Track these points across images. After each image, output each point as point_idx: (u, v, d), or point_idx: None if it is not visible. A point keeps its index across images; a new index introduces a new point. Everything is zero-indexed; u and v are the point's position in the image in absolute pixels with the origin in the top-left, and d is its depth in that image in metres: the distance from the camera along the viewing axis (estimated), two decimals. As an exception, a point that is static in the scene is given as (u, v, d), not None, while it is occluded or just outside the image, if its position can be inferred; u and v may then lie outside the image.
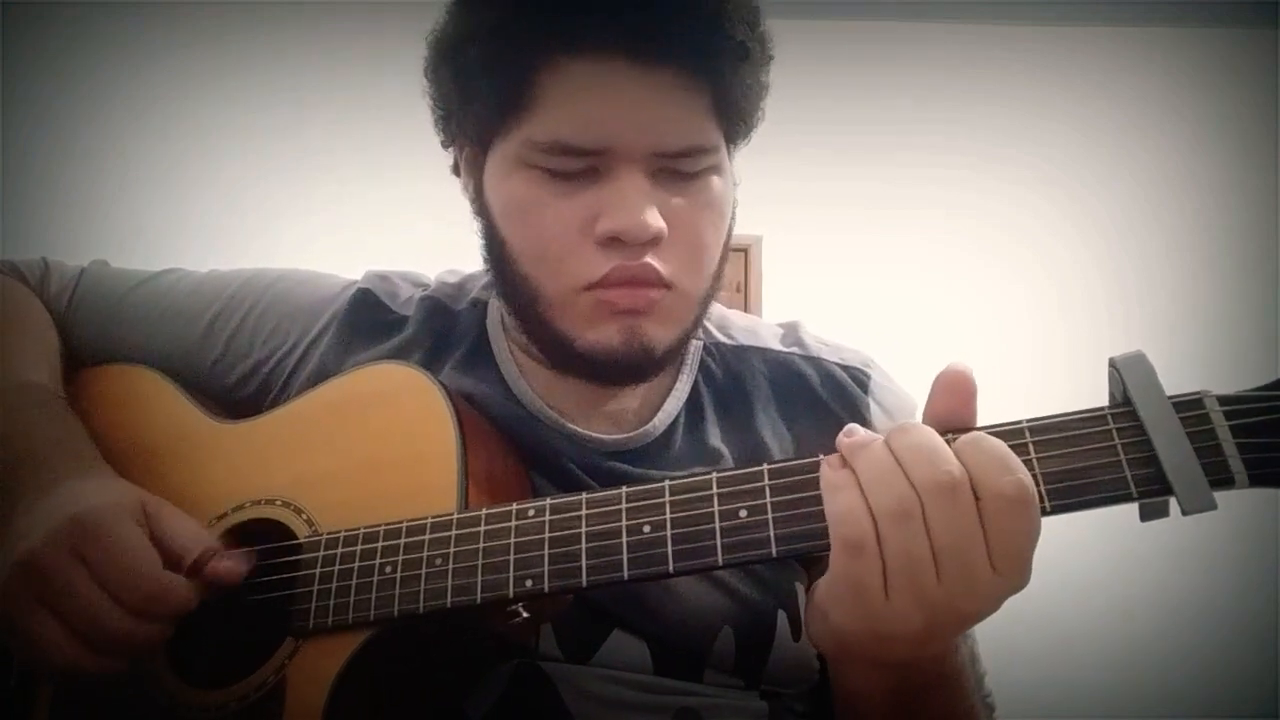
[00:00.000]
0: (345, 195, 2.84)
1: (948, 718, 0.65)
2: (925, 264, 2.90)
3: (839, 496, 0.52)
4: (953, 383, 0.54)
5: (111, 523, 0.63)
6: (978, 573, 0.49)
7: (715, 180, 0.72)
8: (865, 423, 0.78)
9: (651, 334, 0.71)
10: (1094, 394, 0.55)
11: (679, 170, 0.70)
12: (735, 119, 0.72)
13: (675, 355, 0.75)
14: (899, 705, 0.62)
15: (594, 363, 0.72)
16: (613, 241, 0.68)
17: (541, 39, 0.67)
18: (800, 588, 0.74)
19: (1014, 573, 0.50)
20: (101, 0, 2.93)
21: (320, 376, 0.78)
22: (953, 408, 0.54)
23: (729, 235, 0.76)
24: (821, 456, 0.55)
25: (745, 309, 2.81)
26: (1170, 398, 0.50)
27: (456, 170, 0.80)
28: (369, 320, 0.83)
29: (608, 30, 0.66)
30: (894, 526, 0.50)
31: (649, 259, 0.68)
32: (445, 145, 0.80)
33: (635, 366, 0.72)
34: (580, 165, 0.68)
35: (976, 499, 0.50)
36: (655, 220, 0.67)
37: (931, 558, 0.49)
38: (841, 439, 0.54)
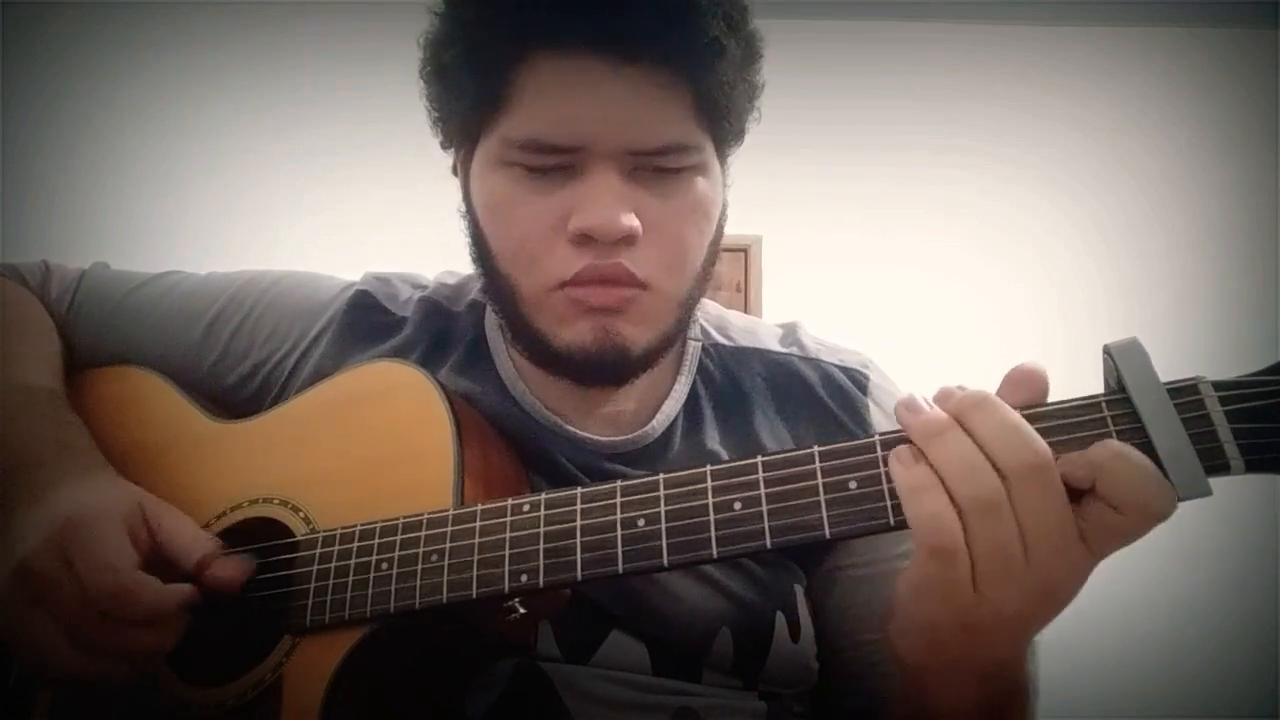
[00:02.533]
0: (345, 196, 2.84)
1: None
2: (925, 264, 2.90)
3: (924, 500, 0.49)
4: (1026, 378, 0.53)
5: (95, 522, 0.63)
6: (1070, 549, 0.48)
7: (699, 180, 0.71)
8: (864, 424, 0.78)
9: (626, 334, 0.70)
10: (1093, 393, 0.55)
11: (658, 168, 0.69)
12: (719, 118, 0.71)
13: (656, 356, 0.74)
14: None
15: (570, 362, 0.71)
16: (584, 239, 0.68)
17: (517, 36, 0.67)
18: (799, 590, 0.74)
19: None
20: (101, 0, 2.93)
21: (318, 378, 0.78)
22: (1025, 401, 0.52)
23: (718, 235, 0.75)
24: (815, 448, 0.55)
25: (745, 309, 2.81)
26: (1165, 384, 0.50)
27: (456, 171, 0.80)
28: (367, 322, 0.83)
29: (581, 27, 0.66)
30: (982, 519, 0.48)
31: (622, 259, 0.68)
32: (444, 146, 0.80)
33: (611, 366, 0.71)
34: (555, 162, 0.68)
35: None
36: (627, 219, 0.67)
37: (1021, 543, 0.48)
38: (905, 415, 0.51)
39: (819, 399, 0.80)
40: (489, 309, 0.84)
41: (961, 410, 0.50)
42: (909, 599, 0.52)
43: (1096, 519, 0.48)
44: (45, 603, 0.61)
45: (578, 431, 0.76)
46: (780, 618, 0.71)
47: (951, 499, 0.49)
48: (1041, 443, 0.48)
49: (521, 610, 0.61)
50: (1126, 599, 2.63)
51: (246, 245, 2.70)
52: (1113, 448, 0.48)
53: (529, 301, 0.71)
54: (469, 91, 0.70)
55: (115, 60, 2.93)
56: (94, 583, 0.61)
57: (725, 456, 0.76)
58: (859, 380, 0.81)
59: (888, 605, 0.56)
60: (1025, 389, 0.52)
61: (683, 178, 0.70)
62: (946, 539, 0.48)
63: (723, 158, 0.75)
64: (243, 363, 0.83)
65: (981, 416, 0.50)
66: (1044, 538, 0.48)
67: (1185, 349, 2.59)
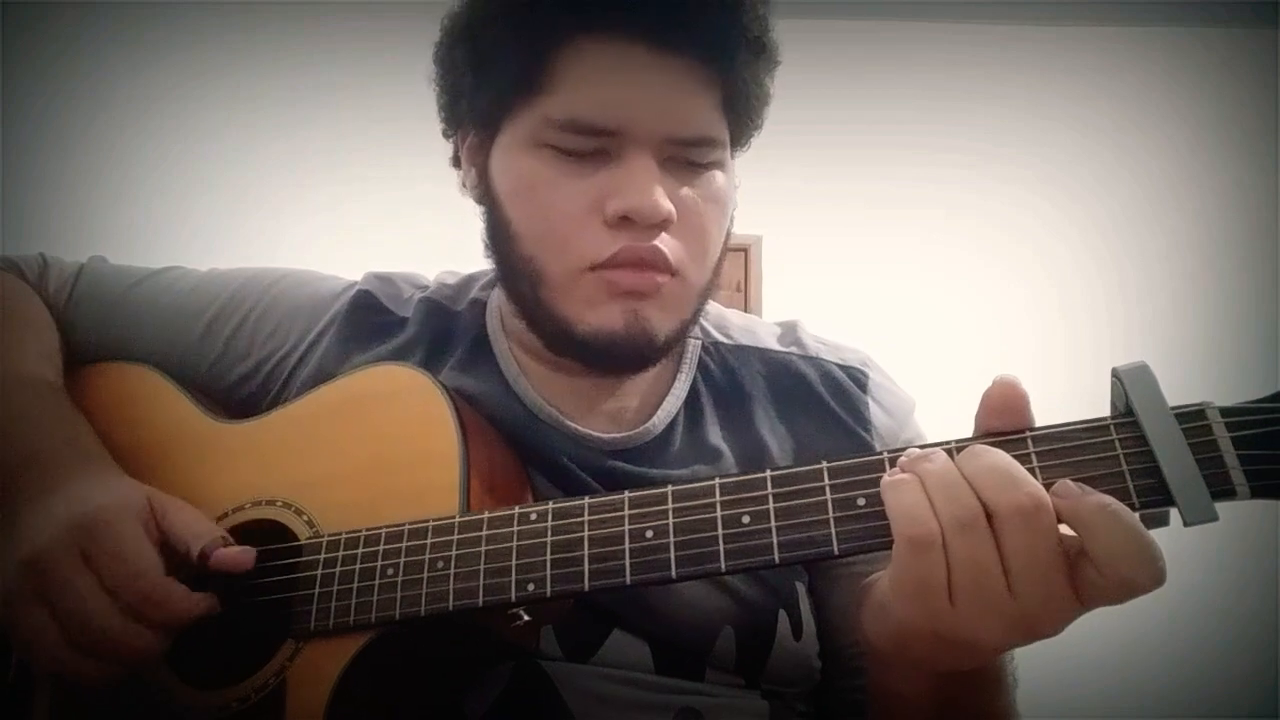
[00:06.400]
0: (346, 195, 2.84)
1: (987, 715, 0.64)
2: (925, 264, 2.90)
3: (902, 492, 0.50)
4: (1004, 402, 0.53)
5: (115, 523, 0.63)
6: (1057, 593, 0.48)
7: (719, 175, 0.73)
8: (865, 422, 0.78)
9: (654, 319, 0.71)
10: (1093, 394, 0.55)
11: (688, 159, 0.71)
12: (742, 116, 0.74)
13: (673, 346, 0.75)
14: (942, 705, 0.61)
15: (594, 347, 0.71)
16: (623, 222, 0.68)
17: (563, 19, 0.68)
18: (801, 588, 0.74)
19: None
20: (101, 0, 2.93)
21: (319, 378, 0.78)
22: (1008, 425, 0.53)
23: (728, 234, 0.76)
24: (824, 463, 0.55)
25: (745, 309, 2.81)
26: (1173, 409, 0.50)
27: (456, 162, 0.80)
28: (368, 322, 0.83)
29: (629, 14, 0.67)
30: (959, 535, 0.48)
31: (657, 242, 0.69)
32: (447, 134, 0.80)
33: (635, 353, 0.72)
34: (593, 145, 0.69)
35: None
36: (666, 203, 0.68)
37: (1001, 569, 0.48)
38: (901, 460, 0.52)
39: (819, 397, 0.80)
40: (490, 308, 0.84)
41: (957, 457, 0.51)
42: (887, 594, 0.52)
43: (1082, 574, 0.48)
44: (49, 600, 0.61)
45: (580, 428, 0.76)
46: (783, 616, 0.72)
47: (933, 506, 0.49)
48: (1035, 487, 0.48)
49: (526, 616, 0.61)
50: (1126, 599, 2.63)
51: (247, 245, 2.70)
52: (1100, 503, 0.48)
53: (555, 285, 0.72)
54: (508, 71, 0.70)
55: (115, 60, 2.92)
56: (124, 586, 0.61)
57: (727, 452, 0.77)
58: (859, 378, 0.82)
59: (864, 591, 0.57)
60: (1011, 414, 0.53)
61: (707, 171, 0.72)
62: (921, 530, 0.49)
63: (733, 158, 0.77)
64: (243, 362, 0.83)
65: (971, 461, 0.50)
66: (1029, 577, 0.48)
67: (1185, 349, 2.60)
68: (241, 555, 0.66)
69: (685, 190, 0.71)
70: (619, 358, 0.73)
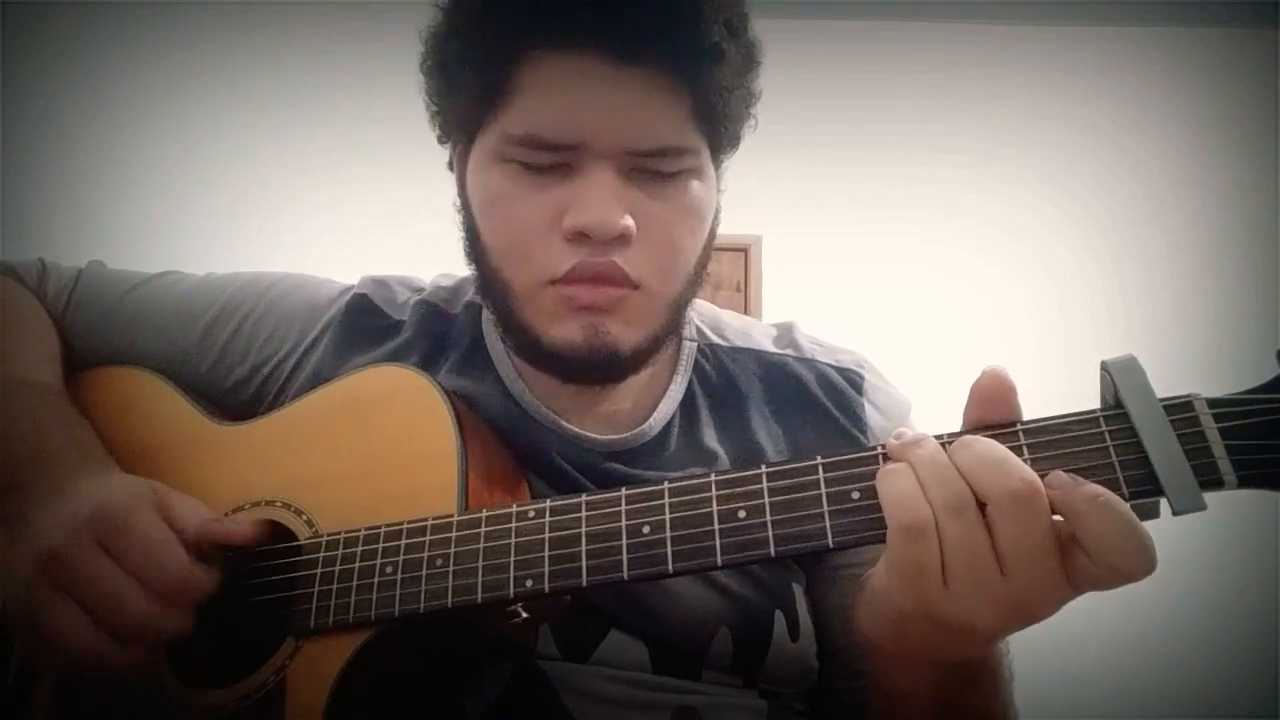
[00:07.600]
0: (346, 196, 2.84)
1: (988, 714, 0.65)
2: (925, 264, 2.90)
3: (895, 480, 0.51)
4: (994, 391, 0.54)
5: (134, 513, 0.64)
6: (1050, 576, 0.49)
7: (694, 184, 0.72)
8: (860, 423, 0.78)
9: (616, 333, 0.70)
10: (1093, 394, 0.55)
11: (655, 170, 0.70)
12: (715, 123, 0.72)
13: (646, 357, 0.75)
14: (941, 701, 0.61)
15: (559, 359, 0.72)
16: (579, 237, 0.68)
17: (520, 32, 0.68)
18: (798, 589, 0.74)
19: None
20: (101, 0, 2.93)
21: (316, 381, 0.78)
22: (997, 416, 0.53)
23: (710, 240, 0.76)
24: (819, 459, 0.55)
25: (745, 309, 2.81)
26: (1161, 400, 0.51)
27: (451, 166, 0.81)
28: (365, 325, 0.83)
29: (584, 26, 0.66)
30: (951, 519, 0.49)
31: (615, 258, 0.68)
32: (441, 141, 0.81)
33: (601, 365, 0.72)
34: (553, 159, 0.69)
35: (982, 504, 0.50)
36: (622, 218, 0.67)
37: (992, 551, 0.49)
38: (890, 440, 0.54)
39: (815, 399, 0.80)
40: (485, 311, 0.84)
41: (950, 448, 0.52)
42: (882, 580, 0.53)
43: (1074, 560, 0.49)
44: (75, 590, 0.61)
45: (576, 430, 0.76)
46: (779, 617, 0.72)
47: (925, 492, 0.50)
48: (1028, 472, 0.49)
49: (525, 614, 0.61)
50: (1127, 598, 2.63)
51: (247, 245, 2.70)
52: (1093, 493, 0.48)
53: (520, 297, 0.72)
54: (469, 86, 0.70)
55: (115, 60, 2.93)
56: (154, 574, 0.62)
57: (722, 454, 0.77)
58: (854, 380, 0.82)
59: (860, 585, 0.58)
60: (1000, 403, 0.53)
61: (678, 181, 0.71)
62: (913, 516, 0.50)
63: (717, 163, 0.75)
64: (240, 365, 0.83)
65: (963, 451, 0.51)
66: (1021, 560, 0.49)
67: (1185, 349, 2.60)
68: (246, 528, 0.67)
69: (652, 201, 0.70)
70: (586, 370, 0.73)
